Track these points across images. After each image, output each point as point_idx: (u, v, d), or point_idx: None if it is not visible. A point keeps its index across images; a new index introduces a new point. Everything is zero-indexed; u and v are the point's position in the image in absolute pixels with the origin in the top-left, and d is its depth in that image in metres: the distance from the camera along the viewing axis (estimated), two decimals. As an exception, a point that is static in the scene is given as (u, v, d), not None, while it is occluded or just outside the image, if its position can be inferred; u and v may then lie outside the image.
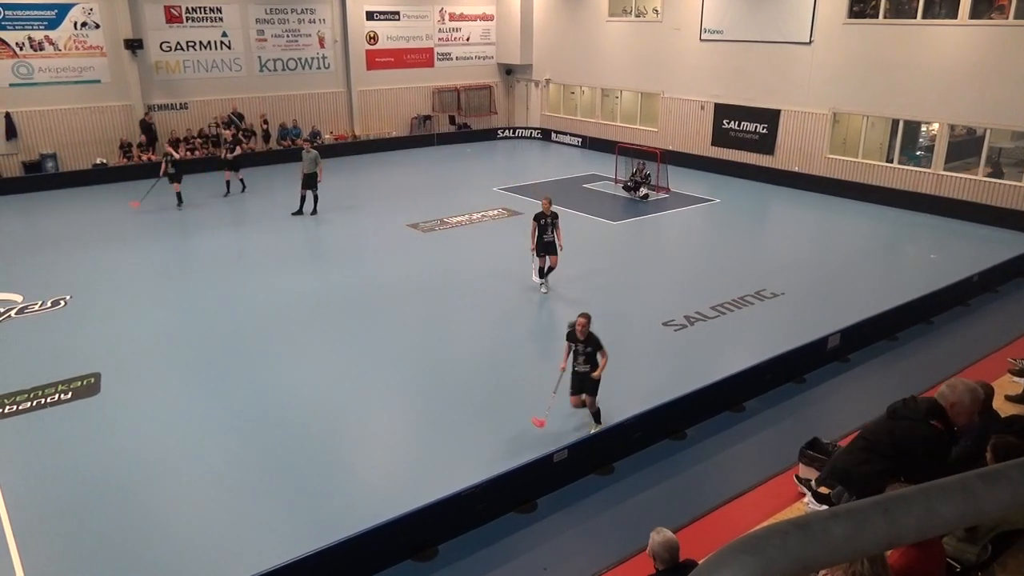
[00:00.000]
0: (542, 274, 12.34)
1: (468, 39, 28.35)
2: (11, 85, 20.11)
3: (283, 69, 24.50)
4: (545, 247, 11.93)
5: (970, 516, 1.18)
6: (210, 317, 11.70)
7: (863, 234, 16.69)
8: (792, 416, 8.85)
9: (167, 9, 21.99)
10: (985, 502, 1.16)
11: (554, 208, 12.01)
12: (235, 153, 19.20)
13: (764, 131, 21.33)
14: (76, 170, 21.04)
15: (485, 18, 28.57)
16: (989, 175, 17.30)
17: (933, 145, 18.30)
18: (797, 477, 7.17)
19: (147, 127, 22.19)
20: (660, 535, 4.33)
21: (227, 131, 21.16)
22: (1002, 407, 7.84)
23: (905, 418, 4.35)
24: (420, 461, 8.04)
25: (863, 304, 11.50)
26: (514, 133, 29.13)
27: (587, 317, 7.96)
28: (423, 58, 27.45)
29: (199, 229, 16.60)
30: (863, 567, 3.41)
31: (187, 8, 22.30)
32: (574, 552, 6.69)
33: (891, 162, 18.96)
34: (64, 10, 20.51)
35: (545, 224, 11.75)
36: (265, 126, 24.05)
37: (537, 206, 12.38)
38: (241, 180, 19.56)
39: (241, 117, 23.57)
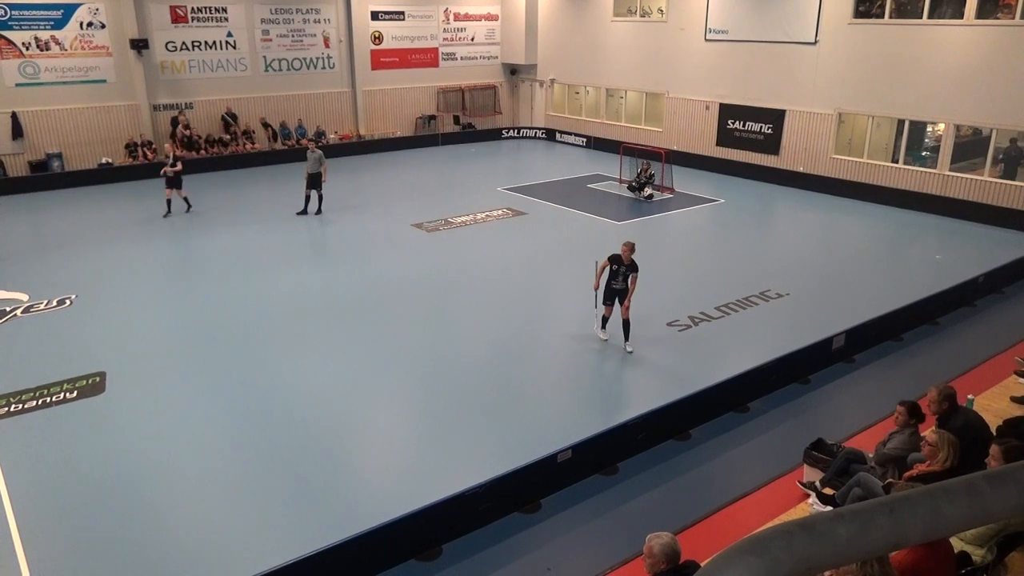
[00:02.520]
0: (623, 330, 10.50)
1: (473, 39, 28.35)
2: (17, 85, 20.19)
3: (288, 69, 24.53)
4: (614, 293, 10.44)
5: (976, 518, 1.17)
6: (215, 316, 11.73)
7: (868, 235, 16.64)
8: (797, 417, 8.83)
9: (172, 9, 22.05)
10: (991, 504, 1.15)
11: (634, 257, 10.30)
12: (175, 168, 17.00)
13: (769, 131, 21.29)
14: (81, 169, 21.11)
15: (490, 18, 28.57)
16: (999, 175, 17.24)
17: (939, 145, 18.25)
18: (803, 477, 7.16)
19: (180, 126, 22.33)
20: (660, 538, 4.33)
21: (167, 143, 20.06)
22: (1008, 408, 7.82)
23: None
24: (424, 461, 8.05)
25: (868, 305, 11.47)
26: (518, 133, 29.13)
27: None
28: (428, 58, 27.46)
29: (203, 229, 16.62)
30: (873, 569, 3.39)
31: (192, 8, 22.35)
32: (578, 552, 6.69)
33: (896, 162, 18.91)
34: (70, 10, 20.57)
35: (617, 271, 10.28)
36: (268, 128, 24.07)
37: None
38: (185, 199, 17.45)
39: (234, 117, 23.59)
